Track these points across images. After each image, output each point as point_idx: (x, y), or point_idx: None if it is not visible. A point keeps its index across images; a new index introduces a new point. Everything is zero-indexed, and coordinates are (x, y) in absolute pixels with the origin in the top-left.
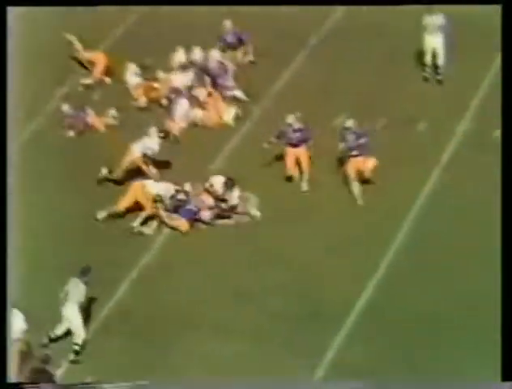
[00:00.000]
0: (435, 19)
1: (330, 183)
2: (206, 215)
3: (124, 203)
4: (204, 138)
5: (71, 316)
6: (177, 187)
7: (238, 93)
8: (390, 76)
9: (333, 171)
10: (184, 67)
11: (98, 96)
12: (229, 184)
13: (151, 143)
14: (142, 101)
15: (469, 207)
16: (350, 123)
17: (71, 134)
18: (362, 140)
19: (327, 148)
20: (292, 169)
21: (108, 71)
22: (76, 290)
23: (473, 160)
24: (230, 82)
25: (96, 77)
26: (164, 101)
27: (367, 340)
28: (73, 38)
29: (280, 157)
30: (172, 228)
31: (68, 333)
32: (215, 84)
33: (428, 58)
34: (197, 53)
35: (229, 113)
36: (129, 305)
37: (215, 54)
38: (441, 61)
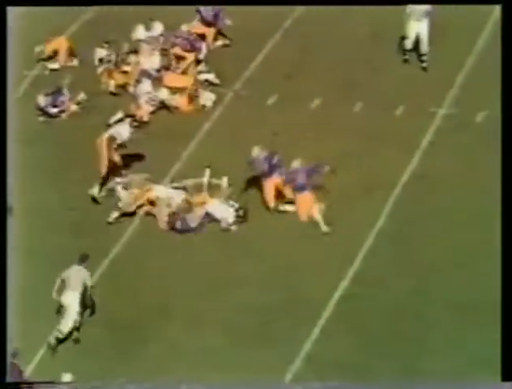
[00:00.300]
0: (420, 6)
1: None
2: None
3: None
4: (175, 123)
5: (70, 304)
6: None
7: (211, 77)
8: (370, 59)
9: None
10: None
11: (68, 80)
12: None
13: (121, 128)
14: (112, 86)
15: (451, 193)
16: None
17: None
18: (313, 177)
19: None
20: (271, 201)
21: (72, 55)
22: (78, 277)
23: (454, 143)
24: (202, 66)
25: (61, 61)
26: (132, 86)
27: (344, 334)
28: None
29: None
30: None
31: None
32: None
33: (409, 43)
34: (157, 28)
35: (202, 98)
36: (99, 296)
37: (184, 28)
38: (424, 47)
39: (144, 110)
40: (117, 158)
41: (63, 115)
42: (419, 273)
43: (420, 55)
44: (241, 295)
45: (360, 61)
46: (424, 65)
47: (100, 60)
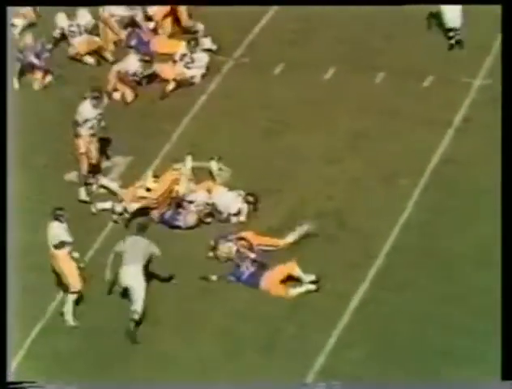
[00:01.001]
0: None
1: None
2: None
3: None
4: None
5: (133, 279)
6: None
7: (207, 42)
8: (393, 22)
9: None
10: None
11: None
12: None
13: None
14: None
15: (489, 179)
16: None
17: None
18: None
19: None
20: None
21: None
22: (136, 249)
23: (492, 120)
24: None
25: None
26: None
27: (363, 344)
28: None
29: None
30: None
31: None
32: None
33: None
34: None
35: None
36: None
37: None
38: (456, 22)
39: (128, 85)
40: (94, 150)
41: (36, 85)
42: (450, 274)
43: (449, 30)
44: (241, 299)
45: (381, 25)
46: (452, 41)
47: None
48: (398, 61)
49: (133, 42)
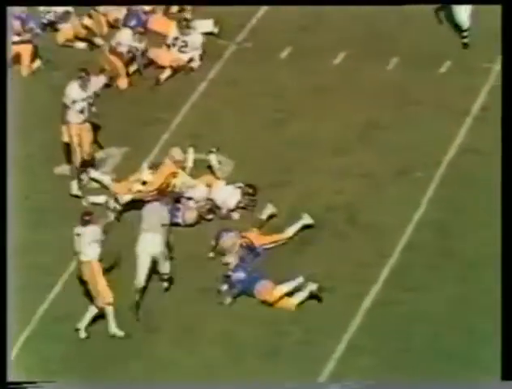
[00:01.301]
0: None
1: None
2: None
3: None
4: (162, 84)
5: (153, 246)
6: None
7: (208, 24)
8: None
9: None
10: None
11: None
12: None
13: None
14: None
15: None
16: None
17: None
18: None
19: None
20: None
21: None
22: (155, 215)
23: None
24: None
25: None
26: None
27: (375, 349)
28: None
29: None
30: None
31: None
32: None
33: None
34: None
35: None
36: (67, 304)
37: None
38: (466, 18)
39: (120, 61)
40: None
41: (24, 71)
42: (467, 274)
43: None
44: (243, 302)
45: (396, 8)
46: (466, 40)
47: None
48: (412, 46)
49: (132, 23)
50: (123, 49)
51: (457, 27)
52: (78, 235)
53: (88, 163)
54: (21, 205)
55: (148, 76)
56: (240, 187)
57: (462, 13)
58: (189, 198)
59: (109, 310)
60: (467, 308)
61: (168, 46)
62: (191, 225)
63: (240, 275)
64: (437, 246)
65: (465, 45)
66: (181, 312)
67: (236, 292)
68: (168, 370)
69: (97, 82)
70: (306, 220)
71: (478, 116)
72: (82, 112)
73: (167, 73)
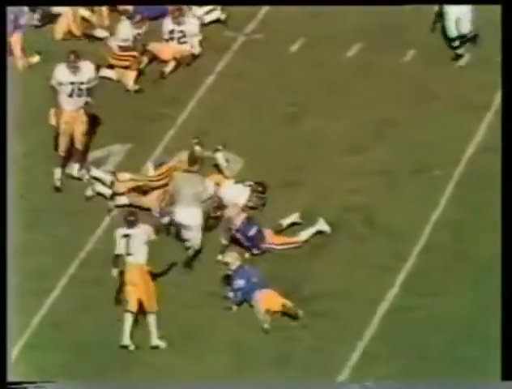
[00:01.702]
0: None
1: None
2: None
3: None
4: (167, 78)
5: (189, 217)
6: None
7: (216, 12)
8: None
9: None
10: None
11: None
12: None
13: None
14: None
15: None
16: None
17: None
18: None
19: None
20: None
21: None
22: (191, 185)
23: None
24: None
25: None
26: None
27: (392, 357)
28: None
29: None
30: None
31: None
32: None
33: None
34: None
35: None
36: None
37: None
38: (465, 29)
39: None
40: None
41: (20, 65)
42: (487, 278)
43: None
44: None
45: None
46: (459, 51)
47: None
48: (429, 38)
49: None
50: (130, 44)
51: (450, 39)
52: (126, 236)
53: (83, 158)
54: (17, 205)
55: (152, 71)
56: (249, 185)
57: (455, 24)
58: None
59: (152, 319)
60: (484, 313)
61: (167, 40)
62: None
63: (240, 282)
64: (455, 248)
65: (458, 56)
66: (187, 317)
67: (239, 300)
68: (172, 378)
69: (88, 68)
70: (321, 226)
71: (499, 111)
72: (71, 96)
73: (171, 65)
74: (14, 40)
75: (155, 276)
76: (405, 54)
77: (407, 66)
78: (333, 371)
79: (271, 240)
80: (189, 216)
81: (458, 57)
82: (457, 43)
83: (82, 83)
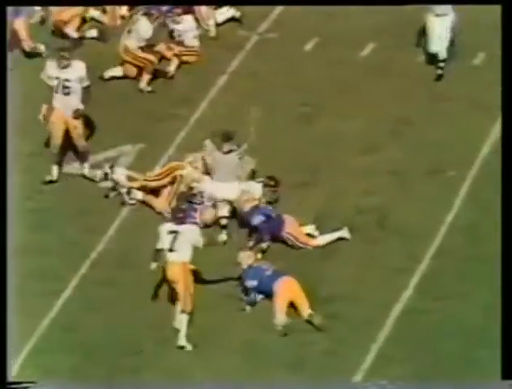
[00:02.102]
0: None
1: None
2: None
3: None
4: (180, 77)
5: (231, 193)
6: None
7: (230, 10)
8: None
9: None
10: None
11: None
12: None
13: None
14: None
15: None
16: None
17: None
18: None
19: None
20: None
21: None
22: (229, 162)
23: None
24: None
25: None
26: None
27: (406, 360)
28: None
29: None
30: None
31: None
32: None
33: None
34: None
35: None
36: (73, 317)
37: None
38: (443, 47)
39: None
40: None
41: (27, 48)
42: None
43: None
44: (265, 308)
45: None
46: (439, 72)
47: None
48: None
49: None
50: (148, 41)
51: (434, 58)
52: (173, 232)
53: (84, 156)
54: (23, 205)
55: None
56: (261, 181)
57: (439, 43)
58: (202, 195)
59: (185, 320)
60: (499, 318)
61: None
62: (209, 226)
63: (252, 282)
64: (470, 251)
65: (439, 77)
66: (202, 319)
67: (252, 301)
68: (184, 379)
69: (79, 67)
70: (344, 233)
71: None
72: (56, 92)
73: (174, 64)
74: (18, 24)
75: (202, 281)
76: (419, 53)
77: (422, 65)
78: (347, 373)
79: (290, 229)
80: (227, 190)
81: (440, 77)
82: (441, 64)
83: (67, 80)
